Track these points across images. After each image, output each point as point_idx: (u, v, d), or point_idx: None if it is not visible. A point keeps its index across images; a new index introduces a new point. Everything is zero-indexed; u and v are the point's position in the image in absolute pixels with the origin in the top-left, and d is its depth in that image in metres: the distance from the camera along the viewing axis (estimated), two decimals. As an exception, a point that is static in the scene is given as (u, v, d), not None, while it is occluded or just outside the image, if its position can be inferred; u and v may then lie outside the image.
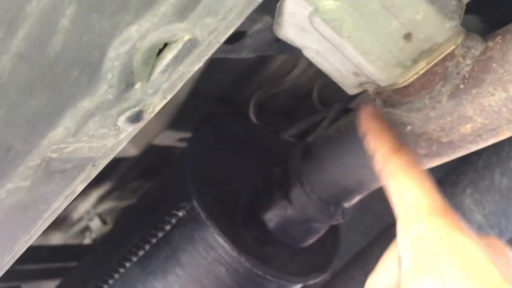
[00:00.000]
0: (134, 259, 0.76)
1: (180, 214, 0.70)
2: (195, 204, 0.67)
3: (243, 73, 1.08)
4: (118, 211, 1.45)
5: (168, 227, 0.71)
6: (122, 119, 0.27)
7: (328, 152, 0.62)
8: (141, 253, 0.75)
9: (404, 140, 0.52)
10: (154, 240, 0.73)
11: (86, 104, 0.25)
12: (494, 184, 0.82)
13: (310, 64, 1.18)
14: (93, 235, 1.44)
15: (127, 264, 0.77)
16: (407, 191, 0.45)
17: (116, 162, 1.13)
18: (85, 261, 0.99)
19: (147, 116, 0.28)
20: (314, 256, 0.76)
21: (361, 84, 0.54)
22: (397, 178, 0.46)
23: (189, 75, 0.27)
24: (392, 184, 0.47)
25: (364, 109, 0.54)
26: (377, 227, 1.17)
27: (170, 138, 1.07)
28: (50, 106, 0.25)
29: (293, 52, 0.88)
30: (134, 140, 1.11)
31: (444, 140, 0.52)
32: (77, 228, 1.48)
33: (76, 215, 1.42)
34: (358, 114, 0.55)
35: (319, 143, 0.63)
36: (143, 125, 0.28)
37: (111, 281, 0.79)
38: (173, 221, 0.71)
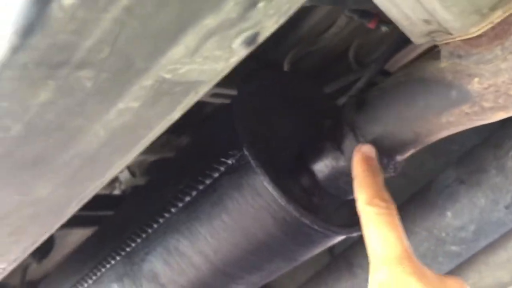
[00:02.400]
0: (180, 204, 0.77)
1: (229, 161, 0.70)
2: (245, 152, 0.68)
3: (278, 30, 1.06)
4: (147, 164, 1.47)
5: (216, 174, 0.72)
6: (238, 41, 0.27)
7: (385, 103, 0.61)
8: (187, 199, 0.76)
9: (383, 187, 0.59)
10: (201, 187, 0.74)
11: (210, 21, 0.25)
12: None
13: (348, 23, 1.16)
14: (123, 187, 1.47)
15: (172, 210, 0.78)
16: (374, 240, 0.53)
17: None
18: (124, 207, 1.01)
19: (261, 39, 0.27)
20: (358, 209, 0.77)
21: (430, 33, 0.54)
22: (368, 228, 0.55)
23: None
24: (364, 232, 0.56)
25: (358, 152, 0.62)
26: (409, 189, 1.17)
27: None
28: (177, 21, 0.24)
29: (344, 4, 0.86)
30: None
31: (513, 92, 0.51)
32: (106, 179, 1.49)
33: (105, 166, 1.44)
34: (354, 154, 0.62)
35: (376, 94, 0.63)
36: (253, 48, 0.28)
37: (155, 225, 0.81)
38: (222, 168, 0.71)
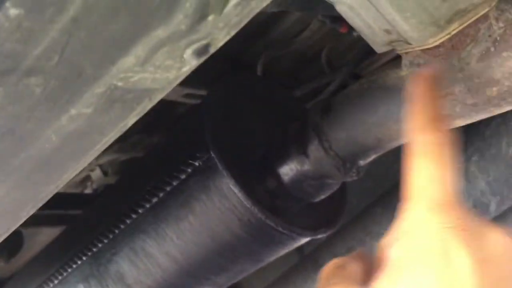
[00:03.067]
0: (147, 205, 0.77)
1: (196, 163, 0.71)
2: (212, 154, 0.68)
3: (252, 32, 1.07)
4: (119, 163, 1.46)
5: (183, 176, 0.73)
6: (189, 52, 0.28)
7: (349, 109, 0.63)
8: (154, 200, 0.76)
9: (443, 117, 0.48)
10: (168, 188, 0.74)
11: (160, 32, 0.26)
12: (500, 153, 0.84)
13: (321, 27, 1.18)
14: (94, 185, 1.45)
15: (140, 210, 0.78)
16: (420, 177, 0.43)
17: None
18: (92, 207, 1.00)
19: (212, 50, 0.28)
20: (323, 211, 0.78)
21: (390, 42, 0.55)
22: (417, 159, 0.45)
23: (256, 11, 0.27)
24: (411, 163, 0.45)
25: (424, 71, 0.50)
26: (376, 191, 1.19)
27: (175, 93, 1.07)
28: (127, 32, 0.25)
29: (313, 11, 0.87)
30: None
31: (469, 102, 0.53)
32: (77, 178, 1.49)
33: (77, 165, 1.42)
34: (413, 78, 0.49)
35: (341, 99, 0.64)
36: (204, 59, 0.29)
37: (122, 226, 0.81)
38: (189, 170, 0.72)
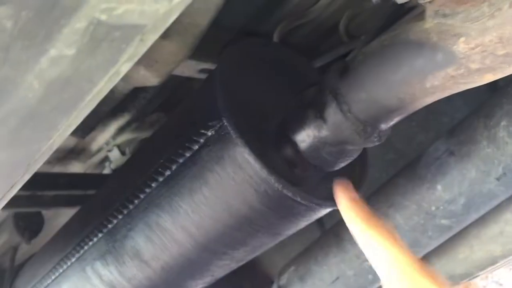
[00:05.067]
0: (160, 179, 0.75)
1: (209, 133, 0.68)
2: (225, 123, 0.65)
3: (267, 2, 1.03)
4: (137, 142, 1.45)
5: (196, 147, 0.70)
6: (179, -23, 0.24)
7: (369, 68, 0.58)
8: (167, 173, 0.74)
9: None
10: (181, 160, 0.72)
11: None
12: (533, 115, 0.78)
13: (339, -6, 1.12)
14: (112, 166, 1.45)
15: (153, 184, 0.76)
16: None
17: (135, 93, 1.11)
18: (107, 185, 0.99)
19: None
20: (344, 182, 0.75)
21: (413, -10, 0.50)
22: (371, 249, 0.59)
23: None
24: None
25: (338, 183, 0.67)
26: (398, 163, 1.15)
27: (191, 69, 1.04)
28: None
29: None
30: (155, 68, 1.08)
31: (500, 52, 0.48)
32: (96, 158, 1.49)
33: (95, 146, 1.43)
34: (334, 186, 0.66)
35: (360, 59, 0.60)
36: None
37: (136, 201, 0.79)
38: (201, 140, 0.69)
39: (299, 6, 1.07)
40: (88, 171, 1.51)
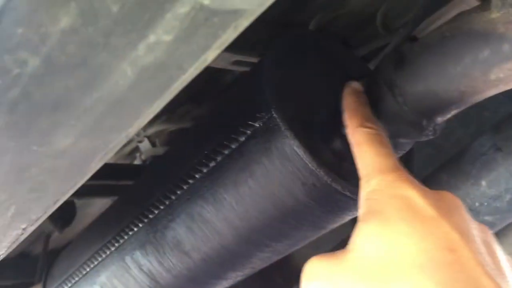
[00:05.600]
0: (205, 170, 0.74)
1: (257, 125, 0.67)
2: (274, 114, 0.64)
3: (303, -6, 1.02)
4: (167, 134, 1.46)
5: (242, 138, 0.69)
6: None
7: (428, 59, 0.57)
8: (212, 164, 0.73)
9: (374, 117, 0.61)
10: (226, 152, 0.71)
11: None
12: None
13: (376, -15, 1.10)
14: (143, 157, 1.46)
15: (197, 176, 0.76)
16: (366, 155, 0.55)
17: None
18: (146, 175, 0.99)
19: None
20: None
21: (482, -22, 0.49)
22: (360, 146, 0.57)
23: None
24: (355, 151, 0.57)
25: (348, 87, 0.65)
26: (437, 158, 1.13)
27: (224, 60, 1.03)
28: None
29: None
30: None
31: None
32: (126, 149, 1.50)
33: (125, 136, 1.43)
34: (344, 89, 0.65)
35: (417, 49, 0.58)
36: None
37: (179, 192, 0.79)
38: (249, 132, 0.68)
39: (335, -3, 1.05)
40: (119, 162, 1.52)
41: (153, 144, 1.46)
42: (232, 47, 1.01)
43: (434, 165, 1.06)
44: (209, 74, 1.27)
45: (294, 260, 1.48)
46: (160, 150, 1.42)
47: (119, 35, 0.26)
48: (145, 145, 1.45)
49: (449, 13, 1.08)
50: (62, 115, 0.32)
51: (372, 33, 1.12)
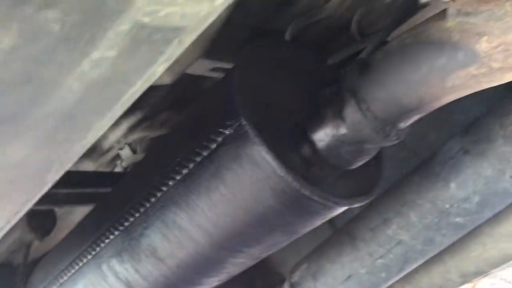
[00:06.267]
0: (178, 177, 0.75)
1: (227, 132, 0.68)
2: (243, 122, 0.65)
3: (280, 1, 1.03)
4: (148, 141, 1.46)
5: (213, 146, 0.70)
6: (223, -21, 0.24)
7: (389, 67, 0.58)
8: (185, 171, 0.74)
9: None
10: (198, 159, 0.72)
11: (189, -46, 0.22)
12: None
13: (351, -8, 1.12)
14: (124, 164, 1.46)
15: (170, 183, 0.76)
16: None
17: (146, 91, 1.11)
18: (122, 183, 0.99)
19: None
20: (359, 180, 0.75)
21: (435, -11, 0.50)
22: None
23: None
24: None
25: None
26: (411, 161, 1.15)
27: (203, 67, 1.04)
28: (152, -48, 0.22)
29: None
30: (168, 67, 1.08)
31: (524, 51, 0.48)
32: (107, 157, 1.49)
33: (106, 144, 1.43)
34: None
35: (380, 57, 0.60)
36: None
37: (153, 199, 0.79)
38: (219, 139, 0.69)
39: (312, 4, 1.07)
40: (100, 169, 1.52)
41: (134, 151, 1.46)
42: (210, 54, 1.03)
43: (408, 167, 1.08)
44: (188, 81, 1.28)
45: (275, 266, 1.49)
46: (141, 157, 1.41)
47: (62, 53, 0.27)
48: (126, 152, 1.45)
49: (423, 19, 1.10)
50: (13, 129, 0.33)
51: (348, 39, 1.14)
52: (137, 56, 0.29)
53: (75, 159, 0.40)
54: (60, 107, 0.32)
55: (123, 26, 0.26)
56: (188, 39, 0.29)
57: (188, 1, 0.25)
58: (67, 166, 0.40)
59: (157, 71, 0.31)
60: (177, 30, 0.28)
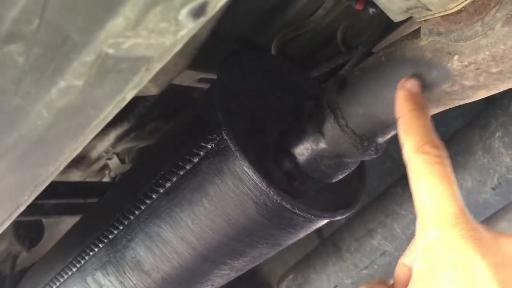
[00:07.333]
0: (161, 190, 0.76)
1: (209, 146, 0.69)
2: (225, 136, 0.66)
3: (265, 13, 1.04)
4: (136, 151, 1.46)
5: (196, 159, 0.71)
6: (184, 12, 0.25)
7: (366, 84, 0.60)
8: (168, 185, 0.75)
9: (433, 130, 0.50)
10: (181, 172, 0.73)
11: (149, -10, 0.23)
12: (527, 127, 0.80)
13: (335, 5, 1.14)
14: (112, 174, 1.46)
15: (154, 196, 0.77)
16: (425, 195, 0.45)
17: (134, 102, 1.12)
18: (107, 195, 1.00)
19: (210, 11, 0.25)
20: (341, 192, 0.76)
21: (408, 10, 0.52)
22: (417, 180, 0.46)
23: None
24: (412, 184, 0.47)
25: (401, 88, 0.52)
26: (395, 172, 1.16)
27: (190, 78, 1.05)
28: (112, -10, 0.23)
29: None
30: (154, 78, 1.09)
31: (494, 70, 0.50)
32: (96, 166, 1.49)
33: (94, 154, 1.43)
34: (396, 91, 0.53)
35: (357, 74, 0.61)
36: (203, 22, 0.26)
37: (137, 212, 0.80)
38: (201, 153, 0.70)
39: (297, 17, 1.09)
40: (88, 179, 1.52)
41: (122, 161, 1.46)
42: (197, 65, 1.04)
43: (393, 178, 1.09)
44: (176, 92, 1.29)
45: (263, 275, 1.50)
46: (129, 167, 1.42)
47: (29, 82, 0.28)
48: (114, 162, 1.45)
49: (406, 31, 1.12)
50: (-16, 153, 0.34)
51: (333, 51, 1.16)
52: (105, 84, 0.30)
53: (49, 181, 0.41)
54: (31, 132, 0.32)
55: (88, 57, 0.27)
56: (157, 66, 0.30)
57: (151, 34, 0.26)
58: (41, 188, 0.40)
59: (127, 96, 0.32)
60: (143, 59, 0.29)
